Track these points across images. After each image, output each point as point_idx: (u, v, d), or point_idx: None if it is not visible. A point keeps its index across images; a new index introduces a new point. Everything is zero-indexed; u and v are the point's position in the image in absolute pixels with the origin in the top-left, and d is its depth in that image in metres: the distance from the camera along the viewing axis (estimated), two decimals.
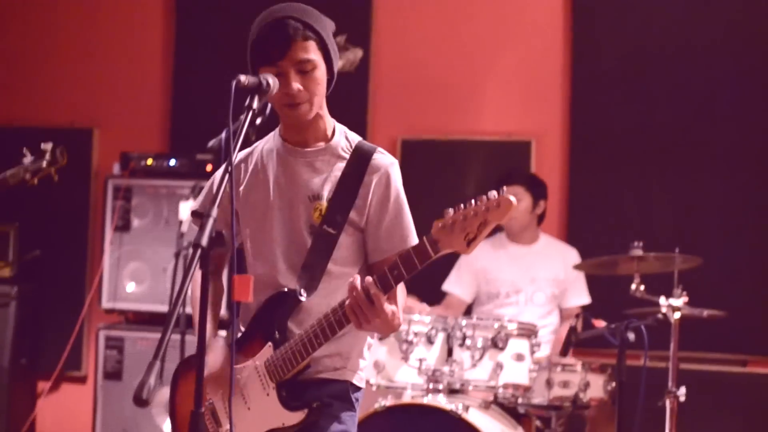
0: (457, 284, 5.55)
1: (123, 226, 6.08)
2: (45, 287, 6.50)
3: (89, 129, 6.70)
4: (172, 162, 6.07)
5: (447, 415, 4.41)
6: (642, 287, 4.60)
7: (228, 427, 2.89)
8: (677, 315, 4.51)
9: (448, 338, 4.69)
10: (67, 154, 3.86)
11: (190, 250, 2.44)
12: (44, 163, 3.85)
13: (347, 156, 2.94)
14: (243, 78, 2.63)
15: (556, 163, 6.12)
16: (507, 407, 4.79)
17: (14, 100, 6.87)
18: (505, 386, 4.64)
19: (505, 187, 2.61)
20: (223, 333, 3.15)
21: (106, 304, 6.08)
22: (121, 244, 6.07)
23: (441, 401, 4.49)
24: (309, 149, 2.95)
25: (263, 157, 3.00)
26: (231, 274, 2.62)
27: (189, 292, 2.62)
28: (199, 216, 2.48)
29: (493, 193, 2.60)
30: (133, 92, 6.75)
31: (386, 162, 2.95)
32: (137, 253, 6.05)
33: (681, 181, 5.90)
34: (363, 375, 3.00)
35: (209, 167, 5.89)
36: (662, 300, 4.53)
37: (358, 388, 2.98)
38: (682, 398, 4.47)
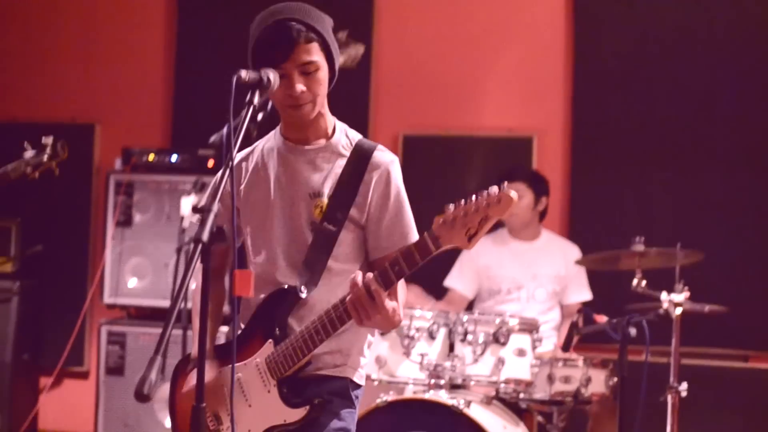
0: (458, 280, 5.55)
1: (125, 221, 6.08)
2: (47, 282, 6.50)
3: (91, 124, 6.70)
4: (174, 157, 6.07)
5: (449, 410, 4.41)
6: (643, 282, 4.59)
7: (228, 424, 2.90)
8: (679, 310, 4.50)
9: (450, 333, 4.69)
10: (68, 147, 3.86)
11: (192, 246, 2.44)
12: (45, 157, 3.85)
13: (347, 153, 2.94)
14: (244, 73, 2.63)
15: (557, 159, 6.12)
16: (509, 402, 4.80)
17: (16, 96, 6.87)
18: (507, 381, 4.64)
19: (506, 183, 2.61)
20: (224, 329, 3.16)
21: (107, 299, 6.08)
22: (123, 239, 6.07)
23: (443, 396, 4.49)
24: (310, 147, 2.95)
25: (264, 155, 3.01)
26: (232, 270, 2.62)
27: (191, 287, 2.62)
28: (200, 212, 2.48)
29: (494, 189, 2.60)
30: (134, 88, 6.75)
31: (386, 159, 2.95)
32: (139, 248, 6.06)
33: (682, 176, 5.90)
34: (363, 372, 3.00)
35: (211, 163, 5.90)
36: (664, 295, 4.52)
37: (358, 386, 2.99)
38: (684, 393, 4.47)
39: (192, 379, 2.91)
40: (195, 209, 2.50)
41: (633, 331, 4.25)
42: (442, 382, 4.59)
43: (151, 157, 6.10)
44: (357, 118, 6.13)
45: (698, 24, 5.93)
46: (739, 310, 5.17)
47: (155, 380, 2.27)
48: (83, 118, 6.68)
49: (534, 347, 4.70)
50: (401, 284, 2.81)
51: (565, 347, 4.66)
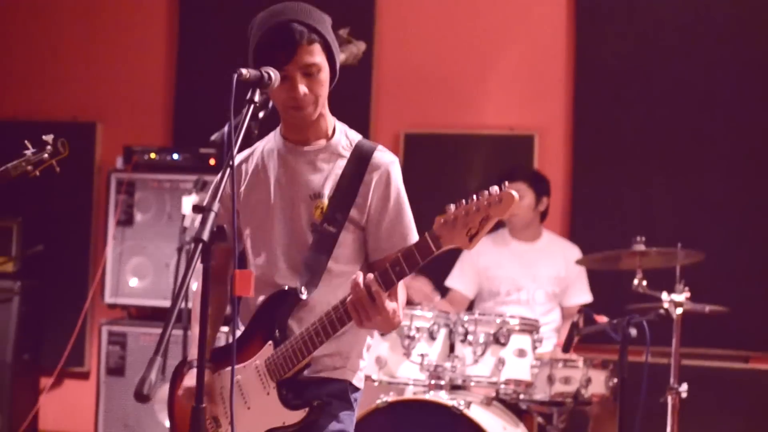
0: (459, 280, 5.54)
1: (126, 220, 6.08)
2: (48, 282, 6.50)
3: (92, 123, 6.70)
4: (175, 156, 6.07)
5: (449, 411, 4.40)
6: (644, 282, 4.58)
7: (226, 427, 2.89)
8: (679, 310, 4.50)
9: (450, 334, 4.69)
10: (68, 145, 3.86)
11: (192, 245, 2.44)
12: (46, 155, 3.85)
13: (347, 154, 2.94)
14: (244, 71, 2.63)
15: (559, 158, 6.11)
16: (509, 403, 4.79)
17: (18, 95, 6.87)
18: (507, 382, 4.63)
19: (507, 182, 2.61)
20: (224, 329, 3.15)
21: (108, 299, 6.08)
22: (124, 238, 6.07)
23: (443, 397, 4.49)
24: (309, 148, 2.95)
25: (264, 156, 3.00)
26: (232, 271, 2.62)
27: (192, 287, 2.62)
28: (200, 211, 2.48)
29: (495, 188, 2.59)
30: (136, 86, 6.75)
31: (387, 160, 2.94)
32: (140, 248, 6.05)
33: (684, 176, 5.89)
34: (362, 376, 3.00)
35: (212, 161, 5.89)
36: (664, 295, 4.52)
37: (357, 389, 2.98)
38: (684, 394, 4.46)
39: (188, 381, 2.90)
40: (195, 209, 2.50)
41: (633, 331, 4.24)
42: (443, 382, 4.58)
43: (153, 155, 6.10)
44: (358, 116, 6.20)
45: (699, 24, 5.92)
46: (740, 310, 5.17)
47: (155, 381, 2.27)
48: (84, 117, 6.68)
49: (534, 348, 4.69)
50: (401, 285, 2.80)
51: (566, 348, 4.66)
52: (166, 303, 5.88)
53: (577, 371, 4.76)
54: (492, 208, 2.59)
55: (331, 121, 2.97)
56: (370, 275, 2.70)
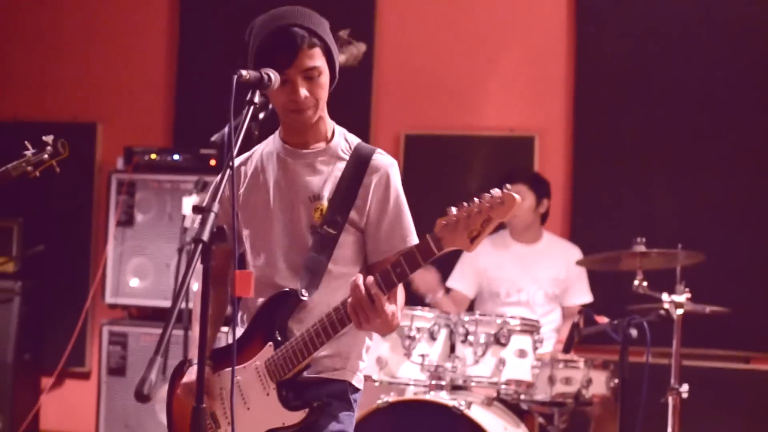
0: (460, 281, 5.54)
1: (126, 221, 6.08)
2: (48, 283, 6.50)
3: (93, 123, 6.70)
4: (176, 157, 6.07)
5: (449, 411, 4.40)
6: (645, 283, 4.57)
7: (225, 428, 2.90)
8: (680, 311, 4.50)
9: (451, 334, 4.69)
10: (68, 146, 3.87)
11: (192, 246, 2.44)
12: (46, 155, 3.86)
13: (347, 157, 2.95)
14: (244, 73, 2.64)
15: (559, 159, 6.12)
16: (509, 404, 4.79)
17: (18, 95, 6.87)
18: (508, 382, 4.63)
19: (508, 185, 2.62)
20: (224, 329, 3.15)
21: (109, 299, 6.08)
22: (125, 239, 6.07)
23: (443, 397, 4.49)
24: (309, 151, 2.96)
25: (263, 159, 3.01)
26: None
27: (193, 288, 2.63)
28: (200, 212, 2.48)
29: (497, 191, 2.60)
30: (136, 87, 6.76)
31: (386, 163, 2.95)
32: (140, 248, 6.05)
33: (684, 176, 5.89)
34: (361, 377, 3.01)
35: (213, 162, 5.90)
36: (665, 296, 4.52)
37: (357, 390, 2.99)
38: (685, 395, 4.46)
39: (188, 378, 2.91)
40: (195, 209, 2.51)
41: (634, 332, 4.23)
42: (443, 383, 4.58)
43: (153, 156, 6.10)
44: (359, 117, 6.21)
45: (700, 25, 5.92)
46: (741, 311, 5.17)
47: (155, 381, 2.27)
48: (85, 117, 6.69)
49: (535, 348, 4.69)
50: (400, 288, 2.81)
51: (566, 349, 4.65)
52: (167, 303, 5.88)
53: (578, 372, 4.76)
54: (493, 211, 2.60)
55: (330, 124, 2.98)
56: (370, 278, 2.70)
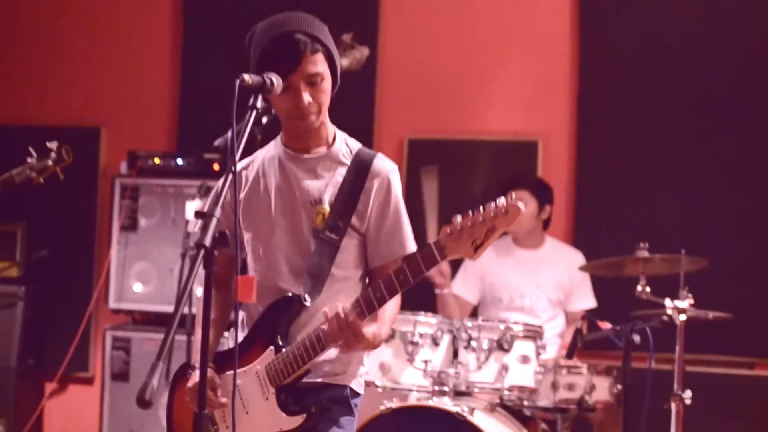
0: (463, 287, 5.54)
1: (130, 225, 6.08)
2: (52, 287, 6.49)
3: (96, 128, 6.70)
4: (180, 161, 6.07)
5: (452, 417, 4.40)
6: (648, 289, 4.57)
7: (224, 431, 2.91)
8: (683, 317, 4.49)
9: (454, 340, 4.68)
10: (72, 152, 3.88)
11: (195, 251, 2.45)
12: (50, 162, 3.88)
13: (348, 162, 2.96)
14: (246, 77, 2.65)
15: (562, 164, 6.11)
16: (512, 409, 4.78)
17: (22, 99, 6.88)
18: (511, 388, 4.62)
19: (513, 193, 2.63)
20: (225, 334, 3.16)
21: (112, 304, 6.08)
22: (128, 243, 6.07)
23: (446, 403, 4.48)
24: (310, 155, 2.97)
25: (265, 164, 3.03)
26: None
27: (197, 293, 2.64)
28: (202, 217, 2.49)
29: (501, 200, 2.62)
30: (140, 91, 6.76)
31: (387, 168, 2.97)
32: (144, 252, 6.05)
33: (687, 182, 5.89)
34: (362, 381, 3.02)
35: (216, 166, 5.89)
36: (668, 302, 4.51)
37: (357, 394, 2.99)
38: (688, 401, 4.45)
39: (193, 382, 2.91)
40: (197, 214, 2.51)
41: (637, 338, 4.23)
42: (446, 388, 4.58)
43: (157, 160, 6.09)
44: (362, 122, 6.21)
45: (703, 30, 5.92)
46: (744, 317, 5.15)
47: (157, 386, 2.27)
48: (89, 122, 6.69)
49: (538, 354, 4.68)
50: (395, 298, 2.82)
51: (569, 354, 4.66)
52: (170, 308, 5.84)
53: (581, 378, 4.75)
54: (498, 220, 2.62)
55: (331, 129, 3.00)
56: (347, 305, 2.74)
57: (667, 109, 5.94)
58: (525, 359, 4.65)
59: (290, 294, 2.90)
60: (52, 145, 3.85)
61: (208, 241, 2.43)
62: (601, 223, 5.99)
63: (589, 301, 5.50)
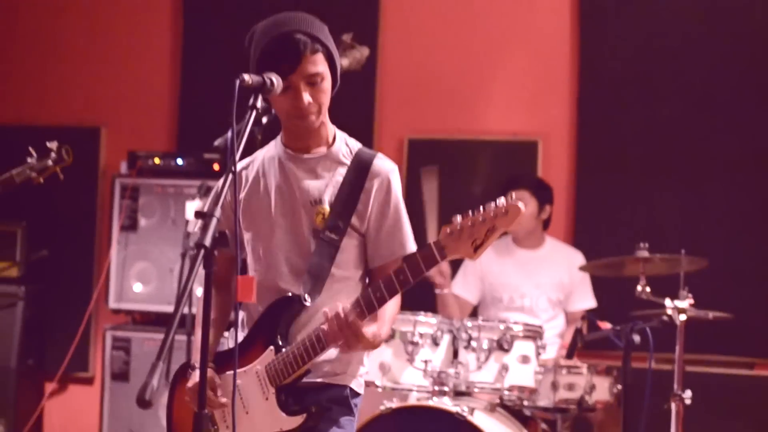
0: (462, 287, 5.54)
1: (130, 225, 6.08)
2: (52, 287, 6.49)
3: (96, 128, 6.70)
4: (180, 161, 6.06)
5: (452, 417, 4.39)
6: (648, 289, 4.57)
7: (223, 431, 2.91)
8: (683, 317, 4.49)
9: (454, 340, 4.68)
10: (72, 152, 3.88)
11: (195, 251, 2.45)
12: (50, 162, 3.88)
13: (348, 162, 2.97)
14: (246, 77, 2.65)
15: (562, 164, 6.11)
16: (512, 409, 4.78)
17: (22, 99, 6.88)
18: (511, 388, 4.62)
19: (513, 194, 2.64)
20: (225, 334, 3.16)
21: (112, 304, 6.08)
22: (128, 243, 6.07)
23: (446, 403, 4.48)
24: (310, 155, 2.98)
25: (265, 164, 3.03)
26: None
27: (197, 293, 2.64)
28: (202, 217, 2.49)
29: (501, 200, 2.62)
30: (140, 91, 6.76)
31: (387, 168, 2.97)
32: (144, 252, 6.05)
33: (687, 182, 5.89)
34: (362, 381, 3.02)
35: (216, 166, 5.89)
36: (668, 302, 4.51)
37: (357, 394, 3.00)
38: (688, 401, 4.45)
39: (193, 382, 2.91)
40: (197, 214, 2.51)
41: (637, 338, 4.23)
42: (446, 388, 4.58)
43: (157, 160, 6.09)
44: (362, 122, 6.21)
45: (703, 30, 5.92)
46: (744, 317, 5.15)
47: (157, 386, 2.27)
48: (89, 122, 6.69)
49: (538, 354, 4.68)
50: (395, 298, 2.82)
51: (569, 354, 4.66)
52: (171, 308, 5.83)
53: (581, 378, 4.75)
54: (498, 220, 2.62)
55: (331, 129, 3.00)
56: (346, 306, 2.73)
57: (667, 109, 5.94)
58: (525, 359, 4.65)
59: (290, 294, 2.90)
60: (52, 145, 3.85)
61: (208, 241, 2.43)
62: (601, 223, 5.99)
63: (589, 301, 5.50)
